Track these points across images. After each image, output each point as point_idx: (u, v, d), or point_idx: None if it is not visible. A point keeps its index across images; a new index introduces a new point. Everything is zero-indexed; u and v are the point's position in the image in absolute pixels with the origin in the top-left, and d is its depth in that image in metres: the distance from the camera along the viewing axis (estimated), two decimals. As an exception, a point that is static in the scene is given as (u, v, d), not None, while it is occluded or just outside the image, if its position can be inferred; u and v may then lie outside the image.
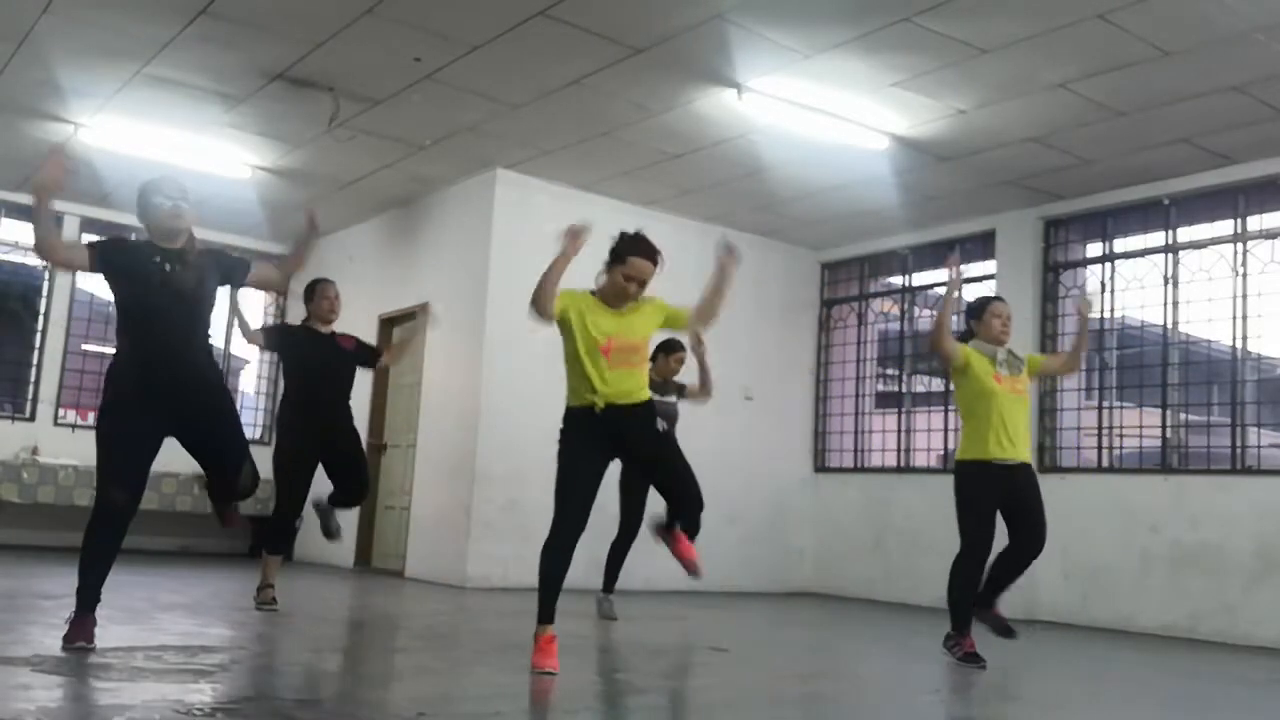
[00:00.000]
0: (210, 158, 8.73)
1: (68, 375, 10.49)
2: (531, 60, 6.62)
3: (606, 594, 6.66)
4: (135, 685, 3.56)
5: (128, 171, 9.16)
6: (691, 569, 4.72)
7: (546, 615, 4.30)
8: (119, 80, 7.28)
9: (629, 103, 7.21)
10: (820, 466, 10.42)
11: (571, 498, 4.32)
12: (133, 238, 4.61)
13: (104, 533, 4.24)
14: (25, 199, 10.16)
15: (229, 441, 4.52)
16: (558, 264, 4.34)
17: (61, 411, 10.45)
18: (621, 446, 4.45)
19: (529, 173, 8.80)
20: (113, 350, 4.45)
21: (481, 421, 8.55)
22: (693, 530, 4.94)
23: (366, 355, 6.53)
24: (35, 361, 10.40)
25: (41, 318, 10.47)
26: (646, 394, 4.50)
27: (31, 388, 10.35)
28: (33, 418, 10.27)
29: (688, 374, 6.85)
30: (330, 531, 6.38)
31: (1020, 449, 5.31)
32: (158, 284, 4.25)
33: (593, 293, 4.49)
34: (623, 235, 4.48)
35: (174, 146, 8.51)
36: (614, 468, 4.59)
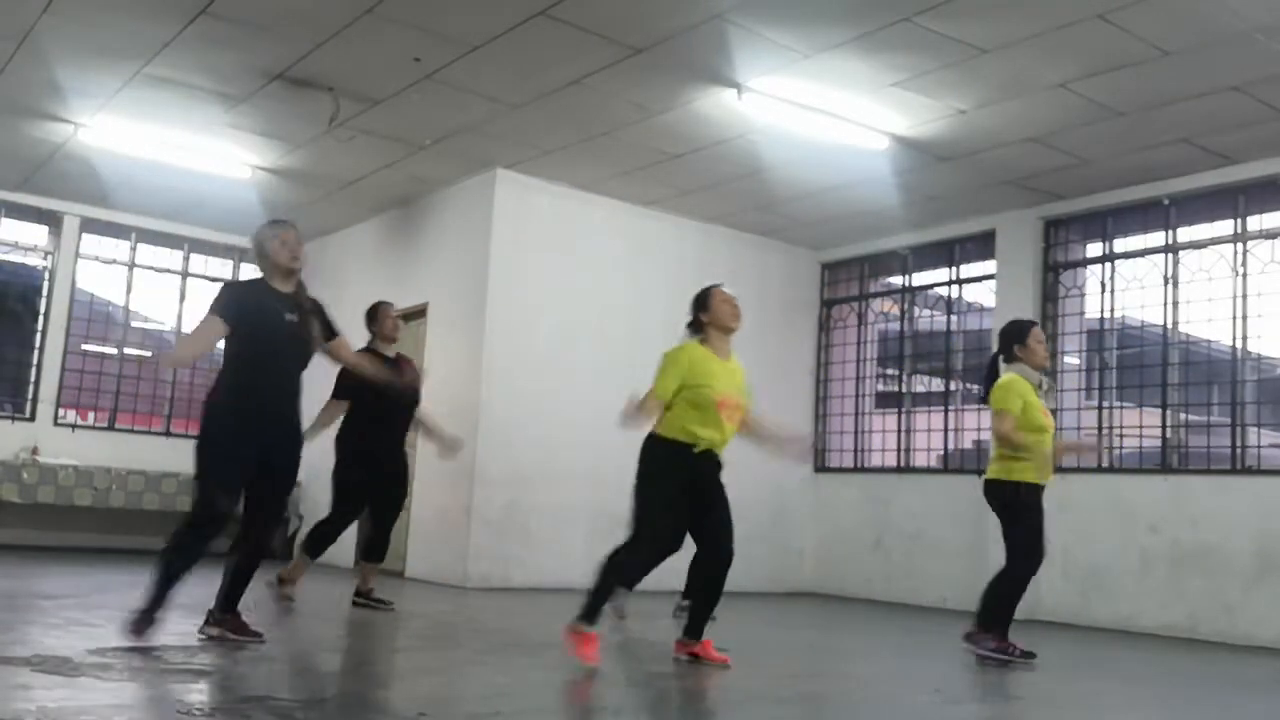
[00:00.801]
0: (210, 158, 8.73)
1: (68, 375, 10.48)
2: (531, 60, 6.62)
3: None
4: (135, 685, 3.56)
5: (128, 171, 9.18)
6: (722, 664, 4.82)
7: (596, 617, 4.53)
8: (119, 80, 7.28)
9: (629, 103, 7.21)
10: (820, 466, 10.42)
11: (666, 523, 4.73)
12: (240, 277, 4.83)
13: (201, 538, 4.42)
14: (25, 199, 10.17)
15: (282, 494, 4.71)
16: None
17: (61, 411, 10.45)
18: (694, 485, 4.77)
19: (529, 173, 8.80)
20: (215, 373, 4.65)
21: (481, 421, 8.54)
22: (715, 597, 5.05)
23: (415, 394, 6.61)
24: (35, 361, 10.40)
25: (41, 318, 10.46)
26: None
27: (31, 388, 10.35)
28: (33, 418, 10.27)
29: None
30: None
31: None
32: (280, 331, 4.51)
33: (701, 341, 4.81)
34: (695, 298, 4.88)
35: (174, 146, 8.51)
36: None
